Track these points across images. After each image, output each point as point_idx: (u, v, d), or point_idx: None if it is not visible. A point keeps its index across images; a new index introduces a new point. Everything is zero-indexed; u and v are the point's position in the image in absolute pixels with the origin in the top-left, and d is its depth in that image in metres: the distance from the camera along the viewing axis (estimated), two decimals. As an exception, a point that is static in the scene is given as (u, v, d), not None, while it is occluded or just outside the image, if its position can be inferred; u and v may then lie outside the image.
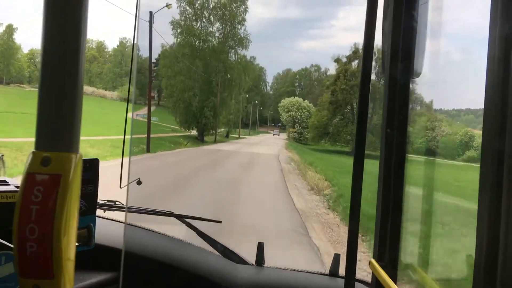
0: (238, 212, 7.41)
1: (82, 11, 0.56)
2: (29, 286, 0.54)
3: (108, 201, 1.50)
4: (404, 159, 1.07)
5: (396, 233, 1.06)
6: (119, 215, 1.49)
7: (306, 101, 62.29)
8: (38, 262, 0.53)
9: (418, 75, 1.08)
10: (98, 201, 1.09)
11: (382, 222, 1.07)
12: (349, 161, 1.68)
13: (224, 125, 40.91)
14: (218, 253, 1.54)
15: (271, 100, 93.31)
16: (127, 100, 1.17)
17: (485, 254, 0.60)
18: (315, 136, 42.76)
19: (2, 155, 1.24)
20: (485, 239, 0.61)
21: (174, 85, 33.49)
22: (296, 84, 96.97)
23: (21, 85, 60.99)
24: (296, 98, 64.29)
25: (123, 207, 1.49)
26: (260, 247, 1.55)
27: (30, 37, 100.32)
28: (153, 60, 38.53)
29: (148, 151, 18.49)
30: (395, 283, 0.94)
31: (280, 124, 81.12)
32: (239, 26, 36.62)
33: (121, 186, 1.00)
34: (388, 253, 1.06)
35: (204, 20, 36.15)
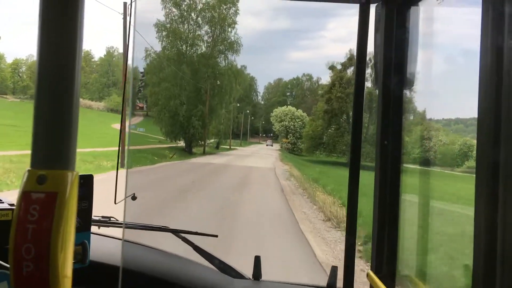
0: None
1: (77, 35, 0.56)
2: None
3: (102, 217, 1.48)
4: (400, 170, 1.09)
5: (393, 244, 1.08)
6: (113, 231, 1.46)
7: (299, 110, 60.67)
8: (34, 282, 0.52)
9: (411, 86, 1.10)
10: (93, 217, 1.08)
11: (379, 234, 1.10)
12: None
13: (214, 135, 38.29)
14: (215, 268, 1.51)
15: (262, 111, 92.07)
16: (122, 113, 1.28)
17: (483, 261, 0.61)
18: (310, 147, 41.12)
19: None
20: (482, 246, 0.62)
21: (159, 93, 30.99)
22: (288, 93, 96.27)
23: (4, 96, 59.87)
24: (289, 107, 62.75)
25: (118, 223, 1.47)
26: (257, 260, 1.52)
27: (14, 47, 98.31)
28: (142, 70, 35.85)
29: (121, 166, 15.72)
30: None
31: (271, 134, 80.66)
32: (229, 29, 34.12)
33: (116, 202, 1.00)
34: (385, 265, 1.08)
35: (192, 22, 33.64)
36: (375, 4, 1.14)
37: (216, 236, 1.59)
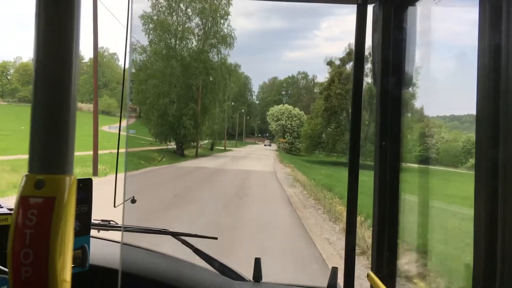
0: None
1: (74, 39, 0.56)
2: None
3: (102, 220, 1.49)
4: (399, 170, 1.09)
5: (394, 245, 1.08)
6: (113, 234, 1.47)
7: (296, 108, 58.86)
8: (33, 287, 0.52)
9: (409, 85, 1.11)
10: (92, 221, 1.08)
11: (379, 235, 1.10)
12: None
13: (208, 136, 36.02)
14: (215, 270, 1.51)
15: (257, 110, 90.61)
16: (120, 117, 1.21)
17: (483, 260, 0.62)
18: (309, 146, 39.29)
19: None
20: (482, 245, 0.63)
21: (146, 90, 28.78)
22: (283, 92, 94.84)
23: (-8, 99, 57.57)
24: (286, 105, 60.92)
25: (118, 227, 1.49)
26: (258, 263, 1.52)
27: (1, 49, 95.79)
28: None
29: (95, 174, 13.35)
30: None
31: (267, 134, 79.15)
32: (221, 21, 31.87)
33: (115, 205, 1.00)
34: (385, 265, 1.08)
35: (181, 14, 31.44)
36: (373, 5, 1.16)
37: (216, 238, 1.59)
